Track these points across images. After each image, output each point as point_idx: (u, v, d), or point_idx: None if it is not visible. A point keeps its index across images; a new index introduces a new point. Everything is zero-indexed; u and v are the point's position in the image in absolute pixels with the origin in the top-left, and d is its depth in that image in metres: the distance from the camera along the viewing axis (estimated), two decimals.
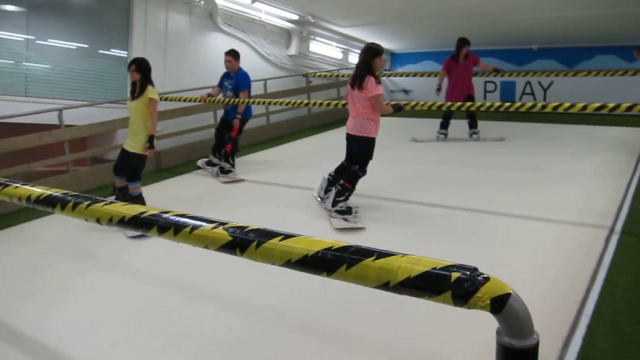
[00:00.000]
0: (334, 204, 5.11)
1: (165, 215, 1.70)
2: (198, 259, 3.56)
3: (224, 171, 7.18)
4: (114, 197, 5.55)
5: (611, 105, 4.84)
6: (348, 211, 5.09)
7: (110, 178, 7.07)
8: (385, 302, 2.86)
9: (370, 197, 5.73)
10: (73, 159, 6.93)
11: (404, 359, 2.91)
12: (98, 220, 1.89)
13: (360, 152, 5.18)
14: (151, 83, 5.36)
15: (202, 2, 9.19)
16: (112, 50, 8.39)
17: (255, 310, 3.52)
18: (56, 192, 2.09)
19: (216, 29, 9.60)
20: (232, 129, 7.15)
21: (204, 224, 1.57)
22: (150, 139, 5.30)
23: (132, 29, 8.30)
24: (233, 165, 7.23)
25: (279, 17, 10.65)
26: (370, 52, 5.02)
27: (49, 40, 7.58)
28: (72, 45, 7.90)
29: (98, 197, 1.97)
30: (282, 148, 9.09)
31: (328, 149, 8.57)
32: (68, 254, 4.68)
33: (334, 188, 5.26)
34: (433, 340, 3.05)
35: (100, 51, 8.26)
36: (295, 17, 10.79)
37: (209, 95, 7.35)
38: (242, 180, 7.01)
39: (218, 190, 6.67)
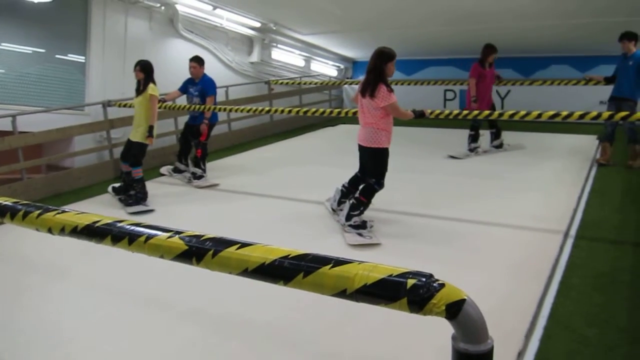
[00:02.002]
0: (348, 217, 4.85)
1: (119, 225, 1.65)
2: (160, 267, 3.50)
3: (197, 176, 7.13)
4: (122, 182, 6.40)
5: (564, 113, 4.99)
6: (362, 225, 4.83)
7: (67, 186, 6.97)
8: (344, 307, 2.85)
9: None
10: (27, 166, 6.72)
11: None
12: (50, 230, 1.82)
13: (373, 164, 4.89)
14: (153, 82, 6.17)
15: (163, 7, 9.07)
16: (69, 55, 8.19)
17: (210, 319, 3.47)
18: (5, 201, 2.01)
19: (177, 35, 9.50)
20: (201, 134, 7.12)
21: (159, 233, 1.54)
22: (150, 129, 6.15)
23: (90, 33, 8.12)
24: (204, 170, 7.20)
25: (241, 24, 10.61)
26: (383, 57, 4.69)
27: (2, 44, 7.35)
28: (28, 49, 7.68)
29: (50, 206, 1.91)
30: (246, 155, 9.05)
31: (292, 156, 8.59)
32: (23, 265, 4.53)
33: (348, 201, 5.03)
34: (390, 346, 3.05)
35: (57, 56, 8.05)
36: (257, 25, 10.77)
37: (163, 100, 7.25)
38: (217, 184, 7.00)
39: (188, 196, 6.64)
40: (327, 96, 13.54)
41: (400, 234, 4.93)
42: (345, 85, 13.90)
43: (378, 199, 5.05)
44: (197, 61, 7.22)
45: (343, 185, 5.30)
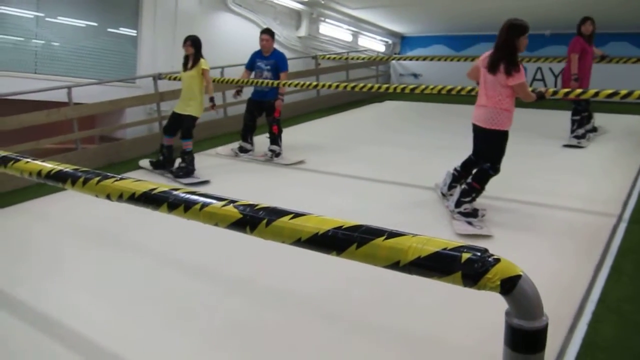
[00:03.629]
0: (458, 204, 4.51)
1: (175, 193, 1.70)
2: (205, 240, 3.59)
3: (277, 154, 6.98)
4: (161, 156, 6.48)
5: (624, 92, 4.79)
6: (474, 214, 4.48)
7: (118, 156, 7.16)
8: (392, 282, 2.87)
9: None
10: (81, 137, 6.94)
11: (412, 342, 2.92)
12: (108, 197, 1.90)
13: (491, 147, 4.49)
14: (202, 57, 6.30)
15: None
16: (121, 28, 8.36)
17: (256, 292, 3.53)
18: (66, 168, 2.10)
19: (226, 9, 9.55)
20: (275, 110, 6.94)
21: (214, 201, 1.58)
22: (212, 99, 6.47)
23: (141, 7, 8.26)
24: (281, 147, 7.06)
25: None
26: (515, 30, 4.23)
27: (58, 17, 7.55)
28: (82, 23, 7.87)
29: (108, 174, 1.98)
30: (296, 129, 8.99)
31: (340, 132, 8.43)
32: (76, 231, 4.72)
33: (459, 186, 4.73)
34: (439, 323, 3.05)
35: (110, 29, 8.23)
36: None
37: (239, 92, 7.15)
38: (303, 161, 6.85)
39: (266, 175, 6.52)
40: (375, 72, 13.39)
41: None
42: (393, 61, 13.72)
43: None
44: (270, 34, 7.03)
45: (455, 169, 4.92)
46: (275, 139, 7.01)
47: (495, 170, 4.49)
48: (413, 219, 4.70)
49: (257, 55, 7.11)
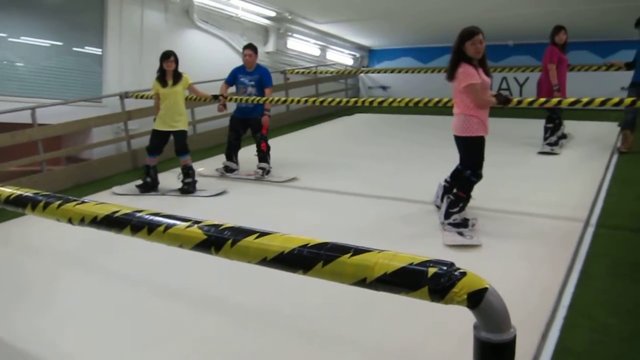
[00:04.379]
0: (447, 215, 4.50)
1: (138, 214, 1.67)
2: (175, 257, 3.53)
3: (266, 171, 6.82)
4: (148, 178, 6.32)
5: (585, 99, 4.91)
6: (464, 224, 4.48)
7: (86, 177, 7.03)
8: (363, 296, 2.84)
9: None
10: (47, 158, 6.80)
11: (387, 355, 2.90)
12: (70, 221, 1.85)
13: (468, 154, 4.52)
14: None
15: None
16: (86, 47, 8.25)
17: (230, 308, 3.48)
18: (26, 192, 2.04)
19: (192, 26, 9.52)
20: (262, 127, 6.82)
21: (178, 222, 1.55)
22: (216, 97, 6.81)
23: (106, 26, 8.18)
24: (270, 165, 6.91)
25: (256, 13, 10.59)
26: (461, 36, 4.32)
27: (21, 38, 7.42)
28: (46, 43, 7.75)
29: (70, 197, 1.93)
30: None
31: (313, 146, 8.43)
32: (47, 255, 4.60)
33: (446, 197, 4.68)
34: (410, 336, 3.04)
35: (75, 48, 8.12)
36: (273, 14, 10.74)
37: (221, 96, 6.92)
38: (295, 178, 6.73)
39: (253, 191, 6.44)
40: (344, 85, 13.47)
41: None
42: (362, 74, 13.84)
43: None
44: (253, 49, 6.86)
45: (445, 180, 4.93)
46: (265, 157, 6.85)
47: (477, 176, 4.48)
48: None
49: (239, 71, 6.92)
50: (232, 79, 6.96)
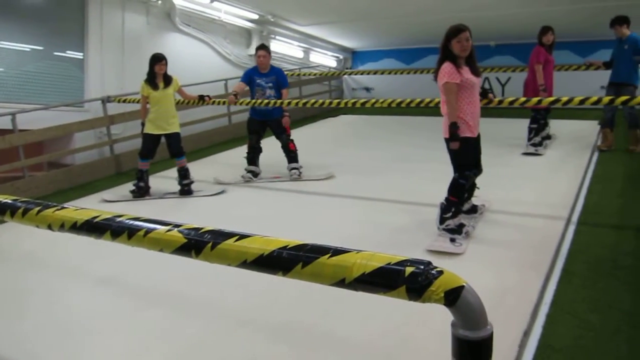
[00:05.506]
0: (441, 221, 4.33)
1: (118, 219, 1.66)
2: (153, 260, 3.50)
3: (301, 171, 6.75)
4: (141, 183, 6.29)
5: (565, 98, 4.97)
6: (458, 230, 4.30)
7: (69, 182, 6.96)
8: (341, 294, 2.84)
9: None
10: (29, 164, 6.72)
11: (359, 351, 2.91)
12: (50, 227, 1.84)
13: (453, 156, 4.35)
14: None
15: (160, 2, 9.07)
16: (67, 52, 8.18)
17: (215, 310, 3.47)
18: (5, 199, 2.02)
19: (175, 29, 9.48)
20: (285, 128, 6.71)
21: (158, 226, 1.54)
22: (202, 97, 6.85)
23: (87, 30, 8.12)
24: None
25: (239, 16, 10.59)
26: (445, 35, 4.23)
27: (1, 42, 7.34)
28: (26, 47, 7.67)
29: (50, 203, 1.92)
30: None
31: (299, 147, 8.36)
32: (24, 261, 4.54)
33: (440, 203, 4.45)
34: (391, 334, 3.04)
35: (56, 53, 8.04)
36: (255, 17, 10.74)
37: (237, 95, 6.75)
38: (333, 175, 6.75)
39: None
40: (327, 87, 13.50)
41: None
42: (345, 76, 13.88)
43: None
44: (266, 49, 6.72)
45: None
46: (296, 157, 6.78)
47: (465, 178, 4.35)
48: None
49: (254, 73, 6.74)
50: (248, 79, 6.77)
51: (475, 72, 4.30)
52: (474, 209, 4.81)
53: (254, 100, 6.65)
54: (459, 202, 4.38)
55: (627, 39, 6.78)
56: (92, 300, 3.72)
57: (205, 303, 3.57)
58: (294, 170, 6.74)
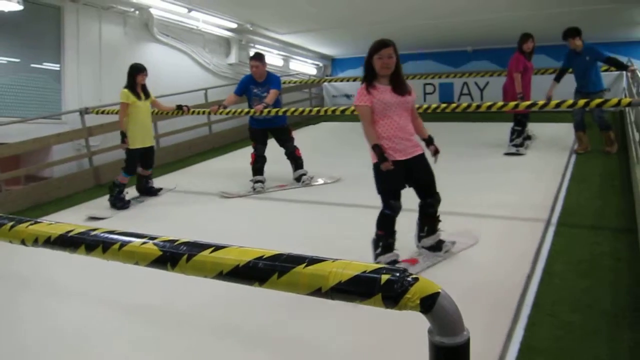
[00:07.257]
0: (374, 257, 3.83)
1: (93, 233, 1.63)
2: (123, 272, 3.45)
3: (308, 176, 6.76)
4: (125, 193, 6.33)
5: (541, 102, 5.05)
6: (437, 247, 4.02)
7: (47, 196, 6.87)
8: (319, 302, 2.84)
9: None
10: (5, 178, 6.63)
11: (337, 358, 2.91)
12: (23, 242, 1.80)
13: (375, 181, 3.91)
14: None
15: (137, 12, 9.01)
16: (44, 63, 8.10)
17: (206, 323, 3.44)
18: None
19: (152, 39, 9.44)
20: (290, 135, 6.70)
21: (133, 239, 1.52)
22: (180, 106, 6.88)
23: (63, 41, 8.05)
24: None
25: (217, 25, 10.58)
26: (369, 50, 3.89)
27: None
28: (2, 60, 7.58)
29: (23, 218, 1.88)
30: (228, 156, 8.97)
31: (280, 157, 8.35)
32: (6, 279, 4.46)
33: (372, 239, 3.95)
34: (368, 341, 3.03)
35: (32, 65, 7.96)
36: (234, 26, 10.74)
37: (221, 106, 6.69)
38: (340, 178, 6.87)
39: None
40: (308, 95, 13.53)
41: None
42: (325, 83, 13.92)
43: None
44: (260, 59, 6.48)
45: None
46: (302, 163, 6.75)
47: (390, 207, 3.82)
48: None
49: (249, 82, 6.56)
50: (242, 90, 6.62)
51: (400, 91, 3.82)
52: (438, 246, 4.08)
53: (234, 110, 6.68)
54: (384, 236, 3.85)
55: (585, 50, 6.86)
56: (69, 314, 3.66)
57: (188, 313, 3.54)
58: (304, 177, 6.75)
